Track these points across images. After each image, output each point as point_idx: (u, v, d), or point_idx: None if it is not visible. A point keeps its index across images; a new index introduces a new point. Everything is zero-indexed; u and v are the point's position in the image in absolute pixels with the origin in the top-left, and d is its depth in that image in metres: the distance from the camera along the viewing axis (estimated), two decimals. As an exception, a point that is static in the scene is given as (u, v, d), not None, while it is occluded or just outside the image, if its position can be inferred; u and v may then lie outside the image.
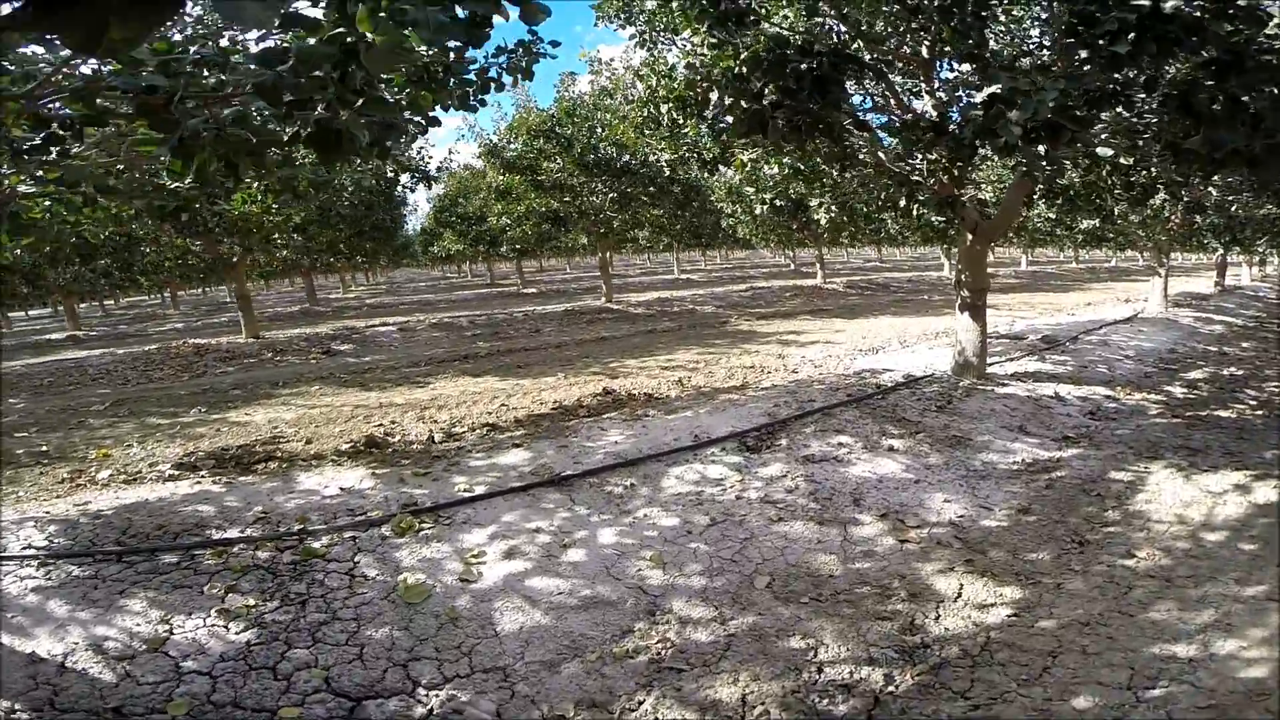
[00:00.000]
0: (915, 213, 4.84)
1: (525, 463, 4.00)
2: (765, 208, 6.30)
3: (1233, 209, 10.72)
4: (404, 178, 14.74)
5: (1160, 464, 4.20)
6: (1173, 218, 10.50)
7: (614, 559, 3.10)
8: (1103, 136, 3.70)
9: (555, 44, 3.57)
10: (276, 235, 10.41)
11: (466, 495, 3.48)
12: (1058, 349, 7.56)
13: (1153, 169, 5.58)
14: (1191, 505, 3.65)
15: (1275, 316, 13.18)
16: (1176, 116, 3.25)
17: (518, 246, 17.34)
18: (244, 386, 8.16)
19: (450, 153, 18.67)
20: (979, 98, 3.22)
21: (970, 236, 5.61)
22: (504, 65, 3.43)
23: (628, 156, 11.16)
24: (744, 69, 3.66)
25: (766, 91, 3.44)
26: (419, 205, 28.38)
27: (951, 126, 3.47)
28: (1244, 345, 9.14)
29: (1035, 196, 6.23)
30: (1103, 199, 5.80)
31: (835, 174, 4.99)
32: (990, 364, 6.69)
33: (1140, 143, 3.72)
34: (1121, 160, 3.54)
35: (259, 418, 6.34)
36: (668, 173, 11.65)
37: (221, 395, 7.71)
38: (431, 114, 2.79)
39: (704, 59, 3.89)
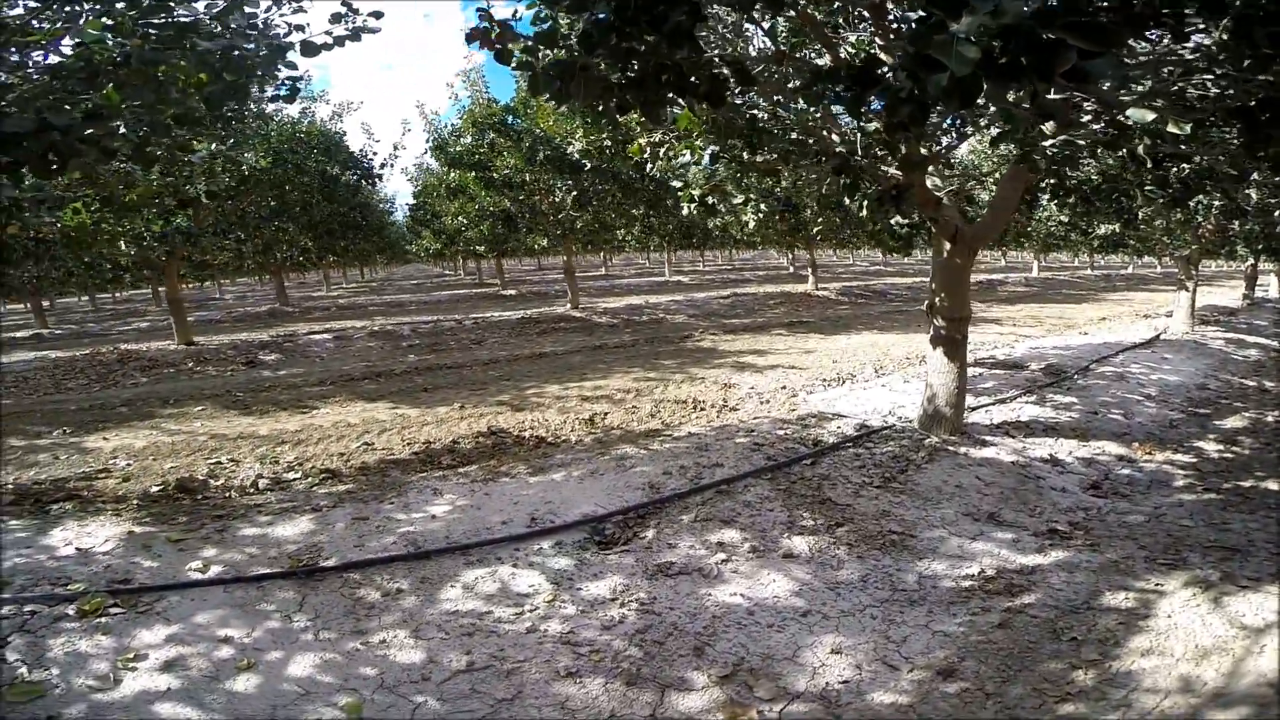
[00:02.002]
0: (862, 211, 3.49)
1: (300, 537, 3.23)
2: (747, 205, 4.95)
3: (1276, 213, 9.25)
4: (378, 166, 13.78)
5: (1180, 576, 2.83)
6: (1205, 224, 9.04)
7: (292, 699, 2.21)
8: (1137, 91, 2.32)
9: (377, 15, 3.15)
10: (122, 242, 9.32)
11: (192, 579, 2.86)
12: (1063, 384, 6.15)
13: (1200, 157, 4.18)
14: (1211, 656, 2.30)
15: (1317, 337, 11.63)
16: (1255, 54, 1.90)
17: (476, 248, 16.02)
18: (135, 403, 7.40)
19: (396, 148, 17.14)
20: (915, 13, 1.91)
21: (948, 245, 4.23)
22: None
23: (574, 151, 9.85)
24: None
25: (571, 26, 2.17)
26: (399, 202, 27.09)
27: (883, 70, 2.12)
28: (1288, 378, 7.67)
29: (1041, 193, 4.83)
30: (1130, 197, 4.39)
31: (745, 155, 3.65)
32: (975, 407, 5.31)
33: (1197, 104, 2.34)
34: (1171, 130, 2.16)
35: (111, 444, 5.64)
36: (632, 169, 10.35)
37: (101, 414, 6.95)
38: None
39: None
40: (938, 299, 4.29)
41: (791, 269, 29.45)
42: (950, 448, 4.27)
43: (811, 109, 3.16)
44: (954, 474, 3.91)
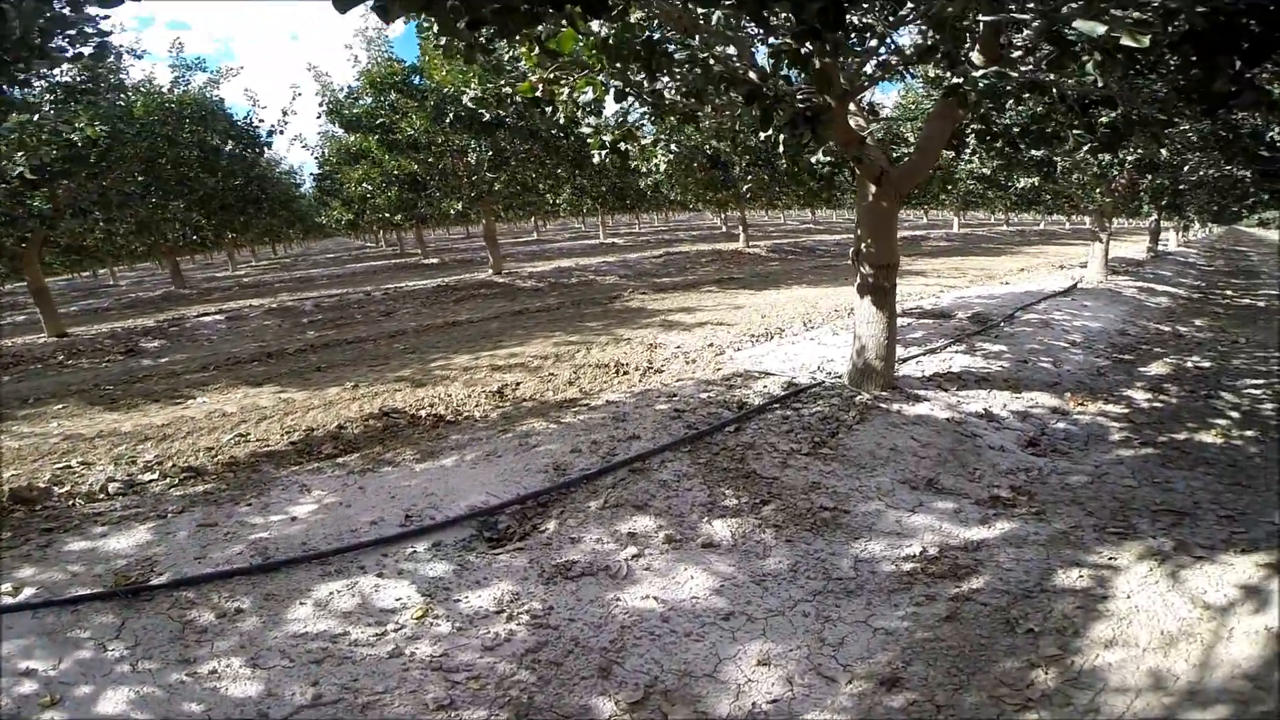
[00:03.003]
0: (779, 147, 3.03)
1: (134, 550, 2.73)
2: (656, 146, 4.37)
3: (1183, 169, 9.45)
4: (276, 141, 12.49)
5: (1133, 548, 2.59)
6: (1119, 177, 9.12)
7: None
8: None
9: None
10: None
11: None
12: (990, 332, 6.00)
13: (1128, 103, 3.92)
14: (1179, 643, 2.05)
15: (1213, 286, 12.19)
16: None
17: (385, 215, 14.88)
18: (-13, 404, 6.27)
19: (285, 114, 15.37)
20: None
21: (873, 189, 3.85)
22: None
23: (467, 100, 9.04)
24: None
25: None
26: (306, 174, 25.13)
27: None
28: (1196, 323, 7.85)
29: (966, 137, 4.50)
30: (1061, 139, 4.10)
31: (645, 82, 3.12)
32: (906, 358, 5.06)
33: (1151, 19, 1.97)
34: (1126, 43, 1.77)
35: (-55, 454, 4.71)
36: (551, 125, 9.63)
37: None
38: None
39: None
40: (863, 245, 3.93)
41: (724, 228, 29.21)
42: (883, 405, 3.97)
43: (714, 22, 2.65)
44: (888, 435, 3.60)
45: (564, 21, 2.70)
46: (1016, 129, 4.41)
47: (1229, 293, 11.17)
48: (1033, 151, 4.38)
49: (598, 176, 16.34)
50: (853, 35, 3.13)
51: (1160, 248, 16.72)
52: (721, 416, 3.91)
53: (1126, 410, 4.37)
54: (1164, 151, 8.79)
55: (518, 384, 5.59)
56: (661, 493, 2.98)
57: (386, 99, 11.23)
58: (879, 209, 3.85)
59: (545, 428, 3.92)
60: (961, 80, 2.96)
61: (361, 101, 11.58)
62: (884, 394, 4.15)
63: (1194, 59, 2.58)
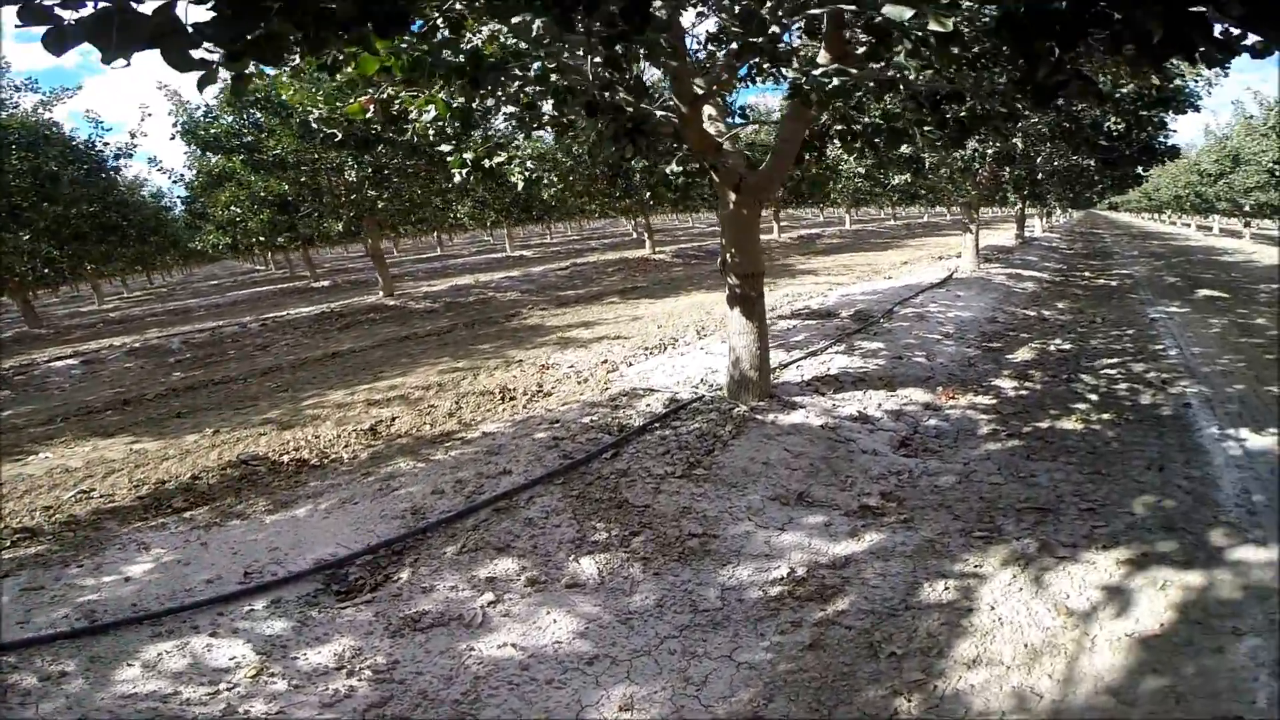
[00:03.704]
0: (614, 157, 2.88)
1: None
2: (512, 164, 4.05)
3: (1037, 160, 10.16)
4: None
5: (998, 552, 2.60)
6: (981, 170, 9.68)
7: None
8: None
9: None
10: None
11: None
12: (869, 329, 6.12)
13: (973, 98, 4.05)
14: (1043, 657, 2.04)
15: (1074, 268, 13.19)
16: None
17: (259, 239, 13.90)
18: None
19: (134, 136, 14.25)
20: None
21: (733, 197, 3.77)
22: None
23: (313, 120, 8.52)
24: None
25: None
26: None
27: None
28: (1059, 305, 8.39)
29: (830, 139, 4.52)
30: (910, 138, 4.18)
31: (462, 89, 2.90)
32: (788, 363, 5.05)
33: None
34: (934, 28, 1.72)
35: None
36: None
37: None
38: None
39: None
40: (728, 255, 3.85)
41: (635, 234, 29.27)
42: (759, 416, 3.89)
43: (533, 31, 2.46)
44: (762, 448, 3.51)
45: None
46: (869, 128, 4.49)
47: (1087, 274, 12.09)
48: (897, 150, 4.44)
49: (500, 189, 15.92)
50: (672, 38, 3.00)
51: (1027, 234, 18.03)
52: (601, 442, 3.74)
53: (994, 401, 4.50)
54: (1019, 143, 9.43)
55: (393, 419, 5.24)
56: (526, 532, 2.82)
57: (249, 117, 10.46)
58: (740, 217, 3.78)
59: (412, 468, 3.69)
60: (803, 79, 2.90)
61: (221, 120, 10.72)
62: (761, 404, 4.08)
63: (1013, 45, 2.63)
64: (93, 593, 2.60)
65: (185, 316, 16.39)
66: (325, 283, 20.33)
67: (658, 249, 18.63)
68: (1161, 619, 2.12)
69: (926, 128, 4.66)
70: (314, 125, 4.34)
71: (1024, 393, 4.70)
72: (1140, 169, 11.24)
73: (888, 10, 1.76)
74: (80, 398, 7.78)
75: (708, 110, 4.13)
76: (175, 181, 17.02)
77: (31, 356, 10.90)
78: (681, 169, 3.84)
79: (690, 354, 5.87)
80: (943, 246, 17.13)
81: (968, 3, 2.28)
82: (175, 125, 11.14)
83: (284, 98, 8.71)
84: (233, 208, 12.18)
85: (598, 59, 2.39)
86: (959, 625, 2.19)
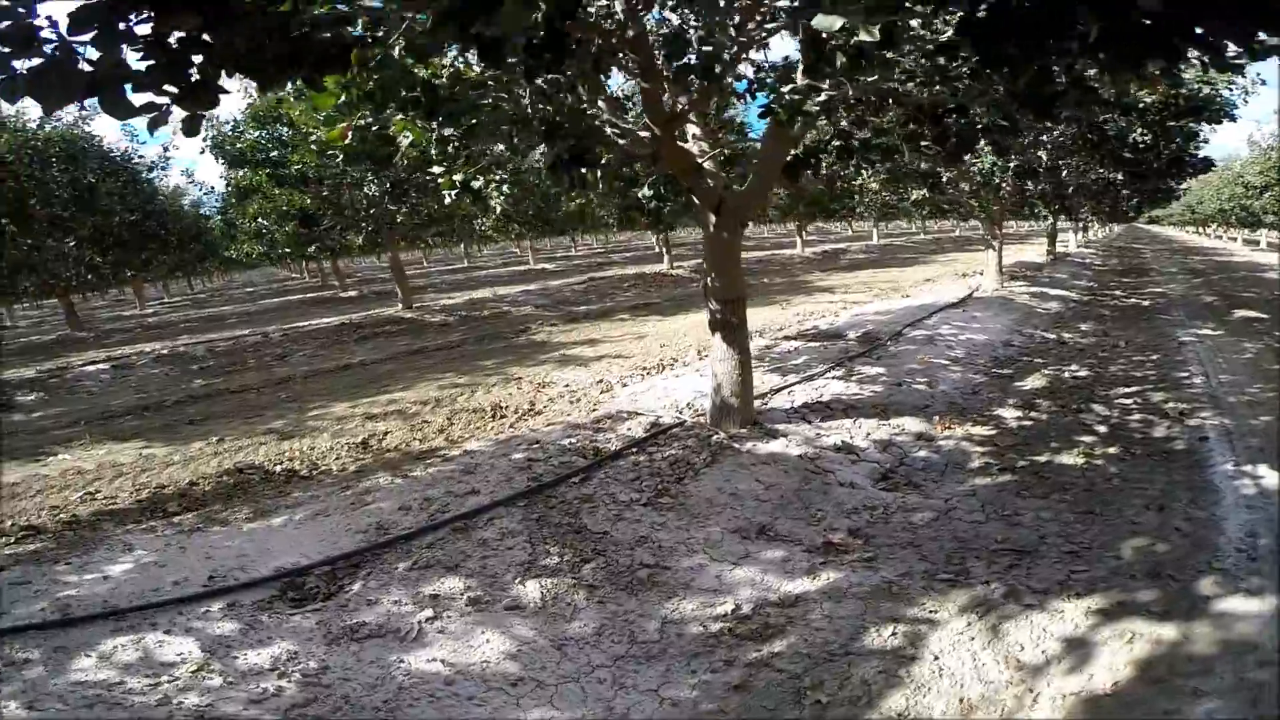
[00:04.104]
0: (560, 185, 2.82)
1: None
2: (490, 187, 4.06)
3: (1063, 174, 9.83)
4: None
5: (958, 597, 2.46)
6: (1004, 185, 9.40)
7: None
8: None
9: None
10: None
11: None
12: (874, 353, 5.95)
13: (974, 110, 3.93)
14: (977, 712, 1.91)
15: (1105, 286, 12.71)
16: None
17: (284, 250, 14.30)
18: None
19: (166, 150, 15.39)
20: None
21: (713, 218, 3.69)
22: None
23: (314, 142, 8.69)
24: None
25: None
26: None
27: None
28: (1082, 328, 8.06)
29: (825, 154, 4.41)
30: (898, 153, 4.06)
31: (420, 119, 2.86)
32: (781, 388, 4.92)
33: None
34: (863, 38, 1.63)
35: None
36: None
37: None
38: None
39: None
40: (709, 279, 3.76)
41: (658, 249, 29.28)
42: (737, 444, 3.78)
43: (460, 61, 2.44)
44: (733, 478, 3.41)
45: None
46: (863, 143, 4.37)
47: (1118, 293, 11.64)
48: (887, 164, 4.31)
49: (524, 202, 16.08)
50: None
51: (1061, 249, 17.49)
52: (573, 465, 3.70)
53: (993, 432, 4.31)
54: (1044, 156, 9.13)
55: (386, 434, 5.35)
56: (478, 552, 2.84)
57: (274, 132, 10.77)
58: (720, 240, 3.70)
59: (389, 483, 3.71)
60: (771, 99, 2.83)
61: (247, 135, 11.05)
62: (742, 431, 3.97)
63: (976, 50, 2.52)
64: (73, 589, 2.71)
65: (218, 323, 16.93)
66: (353, 293, 20.76)
67: (676, 264, 18.56)
68: (1118, 676, 1.97)
69: (924, 142, 4.54)
70: (313, 145, 4.38)
71: (1027, 423, 4.49)
72: (1172, 182, 10.80)
73: (817, 22, 1.68)
74: (106, 402, 8.12)
75: (691, 130, 4.08)
76: (206, 193, 17.68)
77: (69, 360, 11.36)
78: (653, 193, 3.77)
79: (686, 375, 5.78)
80: (971, 262, 16.71)
81: (919, 8, 2.18)
82: (205, 140, 11.53)
83: (293, 116, 8.93)
84: (260, 220, 12.55)
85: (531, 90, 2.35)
86: (896, 675, 2.06)
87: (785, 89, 2.84)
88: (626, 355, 7.46)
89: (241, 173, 11.49)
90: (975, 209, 10.09)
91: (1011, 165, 8.89)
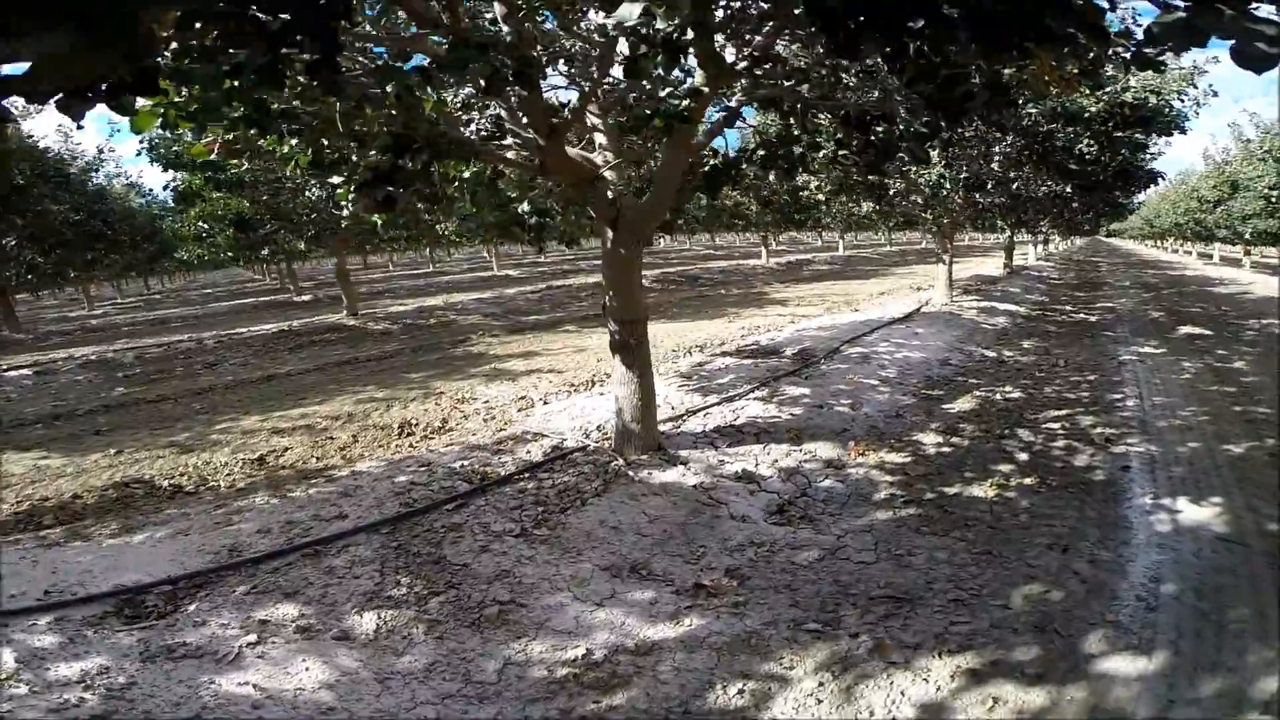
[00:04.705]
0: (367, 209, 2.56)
1: None
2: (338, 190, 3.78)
3: (1014, 186, 9.81)
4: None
5: (820, 651, 2.25)
6: (953, 197, 9.33)
7: None
8: None
9: None
10: None
11: None
12: (804, 372, 5.77)
13: (897, 118, 3.76)
14: None
15: (1056, 300, 12.77)
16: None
17: (225, 254, 13.84)
18: None
19: (101, 152, 14.87)
20: None
21: (610, 234, 3.46)
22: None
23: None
24: None
25: None
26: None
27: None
28: (1025, 345, 7.98)
29: (751, 164, 4.20)
30: (835, 164, 3.88)
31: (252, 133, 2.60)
32: (699, 408, 4.70)
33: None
34: (659, 25, 1.42)
35: None
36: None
37: None
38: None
39: None
40: (607, 298, 3.53)
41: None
42: (633, 472, 3.55)
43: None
44: (619, 510, 3.17)
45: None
46: (782, 153, 4.18)
47: (1068, 307, 11.67)
48: (793, 176, 4.10)
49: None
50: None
51: (1020, 262, 17.64)
52: (455, 490, 3.48)
53: (908, 459, 4.13)
54: (996, 168, 9.08)
55: (286, 450, 5.18)
56: (322, 580, 2.70)
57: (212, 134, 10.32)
58: (618, 257, 3.47)
59: (263, 503, 3.55)
60: (648, 108, 2.61)
61: (184, 138, 10.61)
62: (643, 458, 3.74)
63: (826, 34, 2.33)
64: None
65: (161, 327, 16.37)
66: (307, 297, 20.20)
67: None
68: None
69: (842, 151, 4.37)
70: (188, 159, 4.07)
71: (946, 450, 4.32)
72: (1120, 195, 10.83)
73: (619, 13, 1.46)
74: (21, 409, 7.77)
75: (599, 139, 3.85)
76: (144, 197, 17.10)
77: (-10, 367, 10.82)
78: (532, 208, 3.53)
79: (607, 395, 5.54)
80: (930, 275, 16.76)
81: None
82: (141, 142, 11.07)
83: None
84: (200, 224, 12.08)
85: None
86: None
87: (663, 93, 2.62)
88: (560, 370, 7.20)
89: (178, 176, 11.02)
90: (928, 222, 10.02)
91: (962, 177, 8.82)
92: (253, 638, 2.37)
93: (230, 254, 13.11)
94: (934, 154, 8.61)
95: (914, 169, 8.70)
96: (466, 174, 3.04)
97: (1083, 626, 2.44)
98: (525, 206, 3.51)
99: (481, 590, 2.63)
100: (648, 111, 2.59)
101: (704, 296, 14.37)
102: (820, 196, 8.36)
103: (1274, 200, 14.50)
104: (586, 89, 3.64)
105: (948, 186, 8.87)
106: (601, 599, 2.60)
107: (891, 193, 8.76)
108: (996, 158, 8.86)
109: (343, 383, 7.51)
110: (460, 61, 1.91)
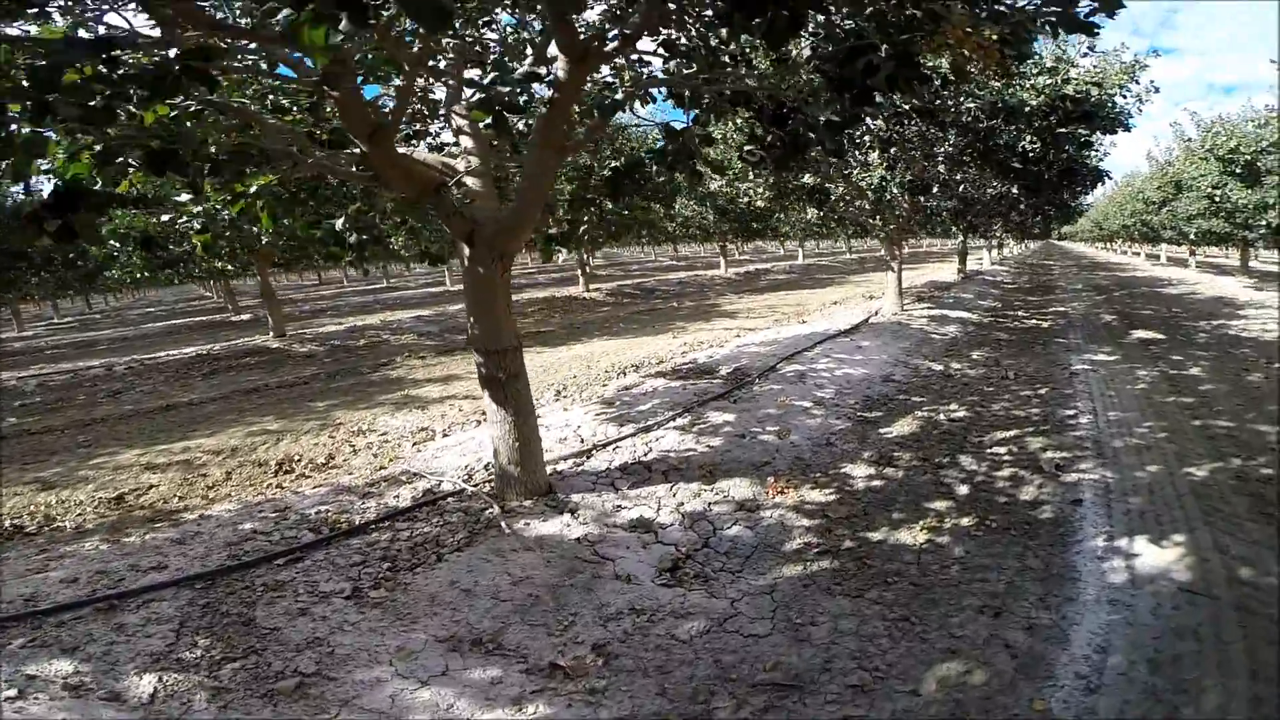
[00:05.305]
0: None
1: None
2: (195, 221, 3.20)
3: (960, 188, 9.58)
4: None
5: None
6: (900, 201, 9.05)
7: None
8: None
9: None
10: None
11: None
12: (735, 394, 5.32)
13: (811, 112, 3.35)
14: None
15: (1010, 306, 12.61)
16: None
17: (137, 275, 13.00)
18: None
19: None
20: None
21: (467, 251, 2.96)
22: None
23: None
24: None
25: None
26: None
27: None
28: (974, 356, 7.67)
29: (661, 164, 3.74)
30: (691, 159, 3.44)
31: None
32: (609, 442, 4.22)
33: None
34: None
35: None
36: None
37: None
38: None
39: None
40: (471, 325, 3.03)
41: (589, 269, 28.52)
42: (505, 522, 3.04)
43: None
44: (478, 569, 2.66)
45: None
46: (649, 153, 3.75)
47: (1020, 313, 11.49)
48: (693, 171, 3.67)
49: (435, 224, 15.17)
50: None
51: (974, 267, 17.58)
52: (298, 541, 2.96)
53: (832, 498, 3.68)
54: (942, 170, 8.81)
55: (150, 488, 4.78)
56: (110, 636, 2.35)
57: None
58: (478, 277, 2.97)
59: (90, 549, 3.18)
60: (493, 90, 2.12)
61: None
62: (527, 503, 3.24)
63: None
64: None
65: (85, 350, 15.43)
66: (246, 316, 19.29)
67: (593, 286, 17.87)
68: None
69: (747, 147, 3.95)
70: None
71: (876, 484, 3.89)
72: (1066, 195, 10.67)
73: None
74: None
75: (466, 141, 3.35)
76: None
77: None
78: (349, 224, 3.03)
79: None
80: (884, 283, 16.61)
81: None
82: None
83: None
84: (113, 242, 11.25)
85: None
86: None
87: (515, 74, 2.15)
88: (477, 396, 6.64)
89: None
90: (876, 227, 9.73)
91: (906, 179, 8.53)
92: (13, 692, 2.10)
93: (146, 273, 12.24)
94: (874, 155, 8.31)
95: (855, 171, 8.40)
96: (254, 187, 2.53)
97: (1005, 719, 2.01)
98: (340, 223, 3.00)
99: (285, 659, 2.20)
100: (491, 97, 2.11)
101: (655, 310, 13.92)
102: (760, 204, 7.97)
103: (1217, 200, 14.62)
104: (452, 86, 3.16)
105: (893, 190, 8.56)
106: (429, 676, 2.13)
107: (834, 198, 8.42)
108: (939, 157, 8.62)
109: (243, 412, 6.86)
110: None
